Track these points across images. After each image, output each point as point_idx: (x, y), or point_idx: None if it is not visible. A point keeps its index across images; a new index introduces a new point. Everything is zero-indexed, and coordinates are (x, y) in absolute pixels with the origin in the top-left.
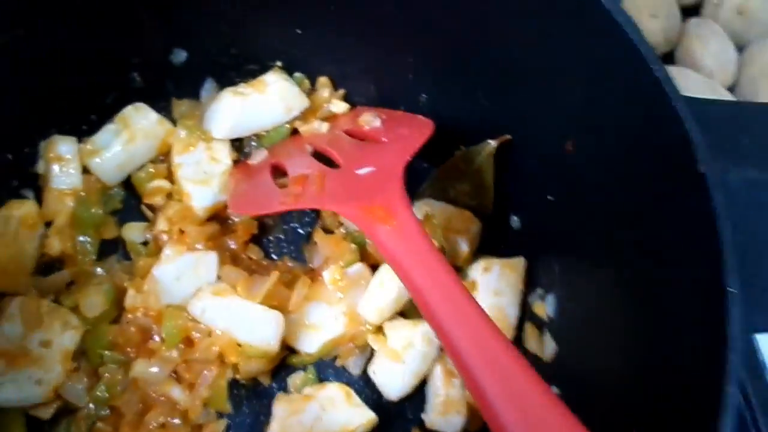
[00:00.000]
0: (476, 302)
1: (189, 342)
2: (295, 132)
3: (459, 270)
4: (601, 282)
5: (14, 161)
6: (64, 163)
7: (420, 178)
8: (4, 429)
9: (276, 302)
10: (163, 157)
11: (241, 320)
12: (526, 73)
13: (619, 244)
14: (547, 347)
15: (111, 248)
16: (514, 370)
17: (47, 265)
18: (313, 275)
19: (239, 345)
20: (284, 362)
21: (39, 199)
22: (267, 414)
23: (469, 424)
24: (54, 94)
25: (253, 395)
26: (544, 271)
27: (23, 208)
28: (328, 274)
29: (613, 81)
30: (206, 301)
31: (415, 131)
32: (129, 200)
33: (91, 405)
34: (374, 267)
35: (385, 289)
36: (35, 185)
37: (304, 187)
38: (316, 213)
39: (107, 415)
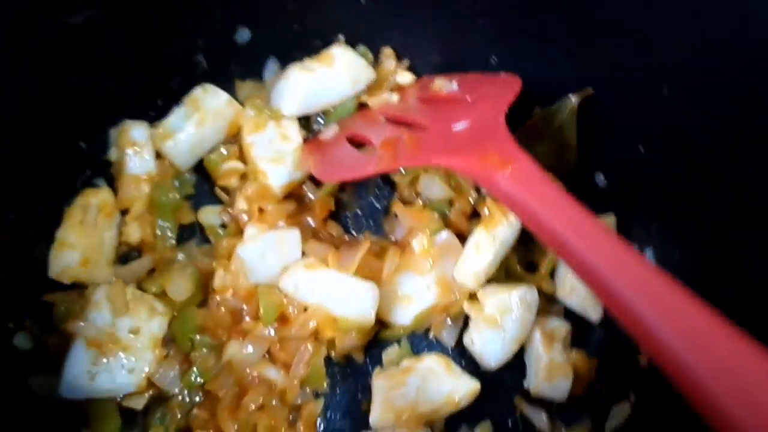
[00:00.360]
0: (612, 231)
1: (283, 320)
2: (361, 107)
3: None
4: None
5: (87, 150)
6: (137, 148)
7: None
8: (99, 421)
9: (368, 274)
10: (233, 138)
11: (336, 293)
12: (616, 19)
13: (717, 206)
14: None
15: (188, 234)
16: (665, 291)
17: (126, 256)
18: (400, 246)
19: (335, 319)
20: (376, 338)
21: (112, 188)
22: (363, 391)
23: (573, 387)
24: (123, 80)
25: (347, 373)
26: (637, 227)
27: (99, 196)
28: (417, 244)
29: (719, 14)
30: (299, 276)
31: (502, 87)
32: (201, 185)
33: (185, 392)
34: (458, 236)
35: (481, 252)
36: (107, 174)
37: (396, 150)
38: (392, 186)
39: (202, 401)
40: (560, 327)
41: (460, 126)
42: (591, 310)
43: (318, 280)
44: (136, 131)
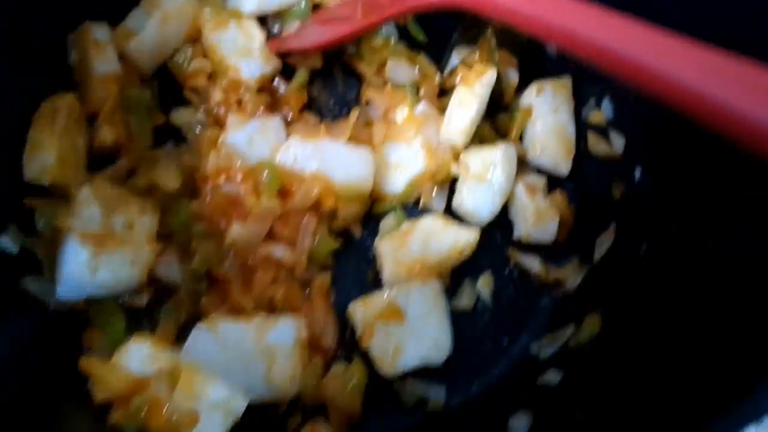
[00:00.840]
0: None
1: (284, 194)
2: (314, 8)
3: (509, 102)
4: None
5: (47, 57)
6: (100, 49)
7: (448, 35)
8: (103, 321)
9: (361, 142)
10: (192, 41)
11: (334, 160)
12: None
13: None
14: (615, 144)
15: (163, 137)
16: (679, 45)
17: (102, 162)
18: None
19: (335, 188)
20: (370, 213)
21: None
22: (366, 262)
23: (558, 232)
24: None
25: (347, 248)
26: (590, 84)
27: (66, 99)
28: (399, 114)
29: None
30: (296, 147)
31: None
32: (165, 91)
33: (189, 283)
34: None
35: (465, 106)
36: (69, 81)
37: (378, 4)
38: (358, 78)
39: (208, 289)
40: (538, 180)
41: None
42: (561, 164)
43: (315, 149)
44: (98, 31)
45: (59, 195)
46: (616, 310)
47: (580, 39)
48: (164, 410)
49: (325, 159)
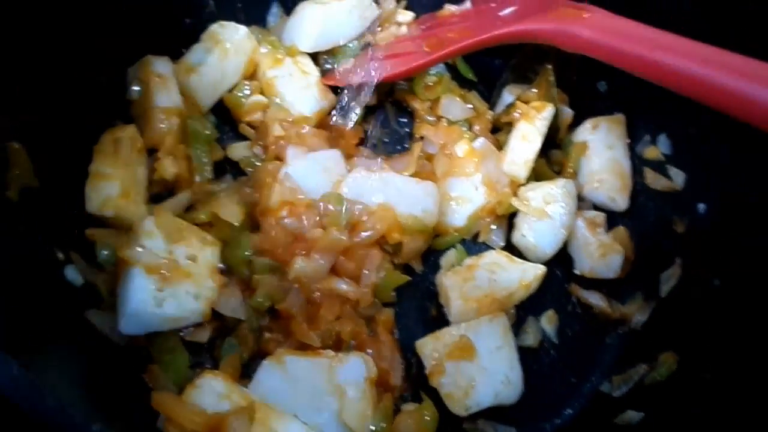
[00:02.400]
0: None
1: (349, 227)
2: (365, 48)
3: (563, 138)
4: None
5: (107, 90)
6: (162, 82)
7: (495, 74)
8: (166, 356)
9: (422, 177)
10: (250, 77)
11: (399, 193)
12: None
13: None
14: (676, 178)
15: (221, 172)
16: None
17: (159, 197)
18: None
19: (400, 221)
20: (430, 249)
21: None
22: (428, 298)
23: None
24: (136, 21)
25: (408, 284)
26: (645, 121)
27: (127, 131)
28: (459, 148)
29: None
30: (361, 179)
31: None
32: (221, 127)
33: (252, 318)
34: None
35: (528, 141)
36: (127, 115)
37: (444, 40)
38: (410, 115)
39: (271, 325)
40: (598, 215)
41: (507, 11)
42: (618, 199)
43: (380, 181)
44: (160, 65)
45: (120, 227)
46: (693, 347)
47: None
48: None
49: (390, 192)
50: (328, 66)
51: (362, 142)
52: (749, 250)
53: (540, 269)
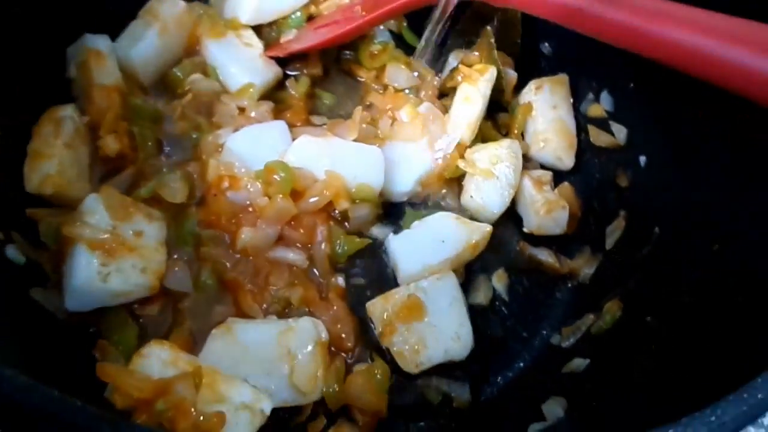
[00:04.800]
0: None
1: (294, 195)
2: (309, 19)
3: (508, 101)
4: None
5: (44, 68)
6: (101, 60)
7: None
8: (115, 330)
9: (368, 142)
10: (192, 51)
11: (345, 159)
12: None
13: None
14: (618, 134)
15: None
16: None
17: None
18: None
19: (347, 188)
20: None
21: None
22: (378, 262)
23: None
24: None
25: (360, 251)
26: (587, 79)
27: (67, 111)
28: (404, 113)
29: None
30: (306, 146)
31: None
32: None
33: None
34: None
35: (471, 102)
36: (67, 94)
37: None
38: (358, 84)
39: (221, 295)
40: (544, 174)
41: None
42: (565, 158)
43: (325, 148)
44: (100, 42)
45: (63, 205)
46: (636, 294)
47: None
48: (191, 412)
49: (336, 158)
50: (273, 37)
51: (309, 112)
52: (686, 198)
53: (486, 228)
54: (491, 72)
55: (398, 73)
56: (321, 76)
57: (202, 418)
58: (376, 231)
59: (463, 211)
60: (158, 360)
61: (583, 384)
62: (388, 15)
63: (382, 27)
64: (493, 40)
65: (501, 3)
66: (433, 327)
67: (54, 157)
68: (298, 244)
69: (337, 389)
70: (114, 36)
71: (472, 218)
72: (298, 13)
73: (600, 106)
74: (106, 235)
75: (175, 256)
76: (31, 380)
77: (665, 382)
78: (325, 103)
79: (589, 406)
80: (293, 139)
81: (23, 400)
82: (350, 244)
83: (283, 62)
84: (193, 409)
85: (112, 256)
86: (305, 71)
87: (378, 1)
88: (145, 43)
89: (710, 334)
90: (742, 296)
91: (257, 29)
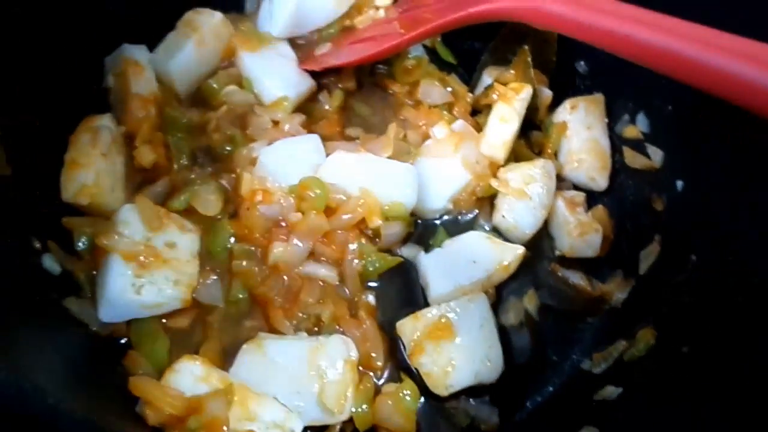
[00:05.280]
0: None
1: (327, 212)
2: (344, 31)
3: (542, 120)
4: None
5: (82, 77)
6: (139, 70)
7: (475, 57)
8: (146, 342)
9: (402, 158)
10: (228, 63)
11: (378, 176)
12: None
13: None
14: (654, 157)
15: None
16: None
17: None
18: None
19: (380, 206)
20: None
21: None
22: (408, 281)
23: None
24: (113, 9)
25: (391, 269)
26: (624, 100)
27: (103, 121)
28: (437, 130)
29: None
30: (340, 162)
31: None
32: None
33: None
34: None
35: (506, 121)
36: (104, 104)
37: (417, 20)
38: (392, 99)
39: (251, 311)
40: (577, 195)
41: None
42: (598, 179)
43: (359, 164)
44: (137, 52)
45: (98, 215)
46: (671, 322)
47: (634, 42)
48: (223, 430)
49: (369, 175)
50: (308, 50)
51: (343, 126)
52: (725, 225)
53: (519, 250)
54: (527, 91)
55: (432, 90)
56: (354, 90)
57: None
58: (407, 249)
59: (495, 231)
60: (191, 375)
61: (616, 413)
62: (428, 34)
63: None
64: (529, 59)
65: (540, 25)
66: (463, 348)
67: (90, 166)
68: (329, 261)
69: (365, 409)
70: (152, 47)
71: (504, 238)
72: (334, 27)
73: (636, 128)
74: (140, 247)
75: (207, 269)
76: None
77: (701, 415)
78: (359, 116)
79: None
80: (327, 154)
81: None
82: (382, 261)
83: (316, 75)
84: (225, 428)
85: (146, 267)
86: (339, 85)
87: (417, 19)
88: (183, 54)
89: (748, 367)
90: None
91: (292, 41)
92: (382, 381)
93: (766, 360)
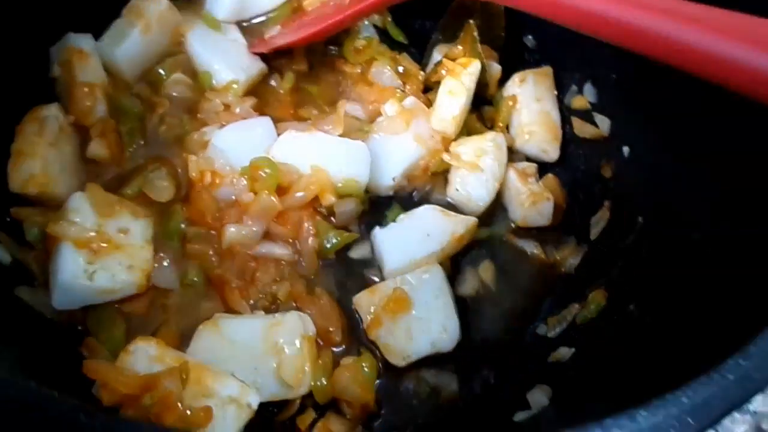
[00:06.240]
0: None
1: (280, 191)
2: (295, 12)
3: (493, 94)
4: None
5: (27, 68)
6: (84, 59)
7: (425, 34)
8: (102, 327)
9: (353, 136)
10: (176, 48)
11: (330, 154)
12: None
13: None
14: (602, 125)
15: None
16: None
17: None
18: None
19: (333, 183)
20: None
21: None
22: (366, 254)
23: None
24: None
25: (347, 245)
26: (571, 72)
27: (50, 110)
28: (389, 107)
29: None
30: (291, 141)
31: None
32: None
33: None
34: None
35: (455, 95)
36: (51, 95)
37: None
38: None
39: (208, 291)
40: (529, 166)
41: None
42: (549, 150)
43: (310, 143)
44: (82, 41)
45: (48, 205)
46: (620, 283)
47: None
48: (178, 406)
49: (321, 153)
50: (257, 33)
51: (295, 107)
52: (667, 187)
53: (471, 221)
54: (475, 65)
55: (383, 73)
56: (306, 72)
57: (189, 412)
58: (362, 225)
59: (449, 205)
60: (145, 356)
61: (568, 372)
62: (370, 10)
63: (366, 22)
64: (476, 34)
65: None
66: (419, 320)
67: (38, 156)
68: (284, 240)
69: (325, 383)
70: (97, 35)
71: (459, 211)
72: (284, 9)
73: (584, 98)
74: (91, 234)
75: (162, 254)
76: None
77: (648, 370)
78: (311, 98)
79: (574, 394)
80: (278, 135)
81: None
82: (338, 238)
83: (267, 58)
84: (179, 404)
85: (98, 254)
86: (291, 67)
87: None
88: (129, 42)
89: (691, 322)
90: (722, 284)
91: (242, 26)
92: (341, 354)
93: (707, 315)
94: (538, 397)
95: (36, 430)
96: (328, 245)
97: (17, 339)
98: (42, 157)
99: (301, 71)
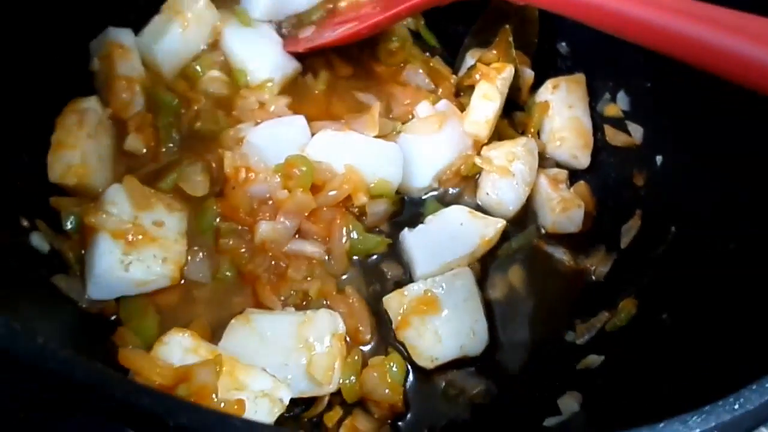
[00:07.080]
0: None
1: (313, 189)
2: (329, 13)
3: (525, 100)
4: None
5: (68, 60)
6: (124, 53)
7: (459, 40)
8: (136, 318)
9: (386, 137)
10: (213, 46)
11: (364, 154)
12: None
13: None
14: (634, 134)
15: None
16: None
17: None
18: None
19: (366, 183)
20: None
21: None
22: (395, 256)
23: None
24: None
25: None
26: (604, 79)
27: (90, 103)
28: (421, 109)
29: None
30: (327, 140)
31: None
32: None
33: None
34: None
35: (489, 99)
36: (90, 88)
37: None
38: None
39: (241, 286)
40: (560, 172)
41: None
42: (580, 157)
43: (346, 142)
44: (122, 35)
45: (86, 195)
46: (652, 292)
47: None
48: (212, 398)
49: (354, 153)
50: (292, 32)
51: (329, 107)
52: (701, 196)
53: (500, 223)
54: (509, 70)
55: (416, 75)
56: (340, 71)
57: (222, 405)
58: (393, 226)
59: (478, 209)
60: (179, 347)
61: (598, 380)
62: (405, 13)
63: (400, 25)
64: (511, 39)
65: (522, 0)
66: (448, 322)
67: (77, 147)
68: (316, 238)
69: (353, 381)
70: (137, 30)
71: (489, 215)
72: (319, 10)
73: (616, 106)
74: (127, 225)
75: (195, 248)
76: (74, 354)
77: (680, 379)
78: (345, 97)
79: (604, 401)
80: (312, 134)
81: (66, 373)
82: (369, 240)
83: (302, 57)
84: (214, 396)
85: (134, 245)
86: (325, 67)
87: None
88: (168, 37)
89: (725, 333)
90: (757, 294)
91: (277, 25)
92: (370, 354)
93: (740, 325)
94: (569, 403)
95: None
96: (360, 246)
97: (53, 327)
98: (81, 148)
99: (336, 71)
